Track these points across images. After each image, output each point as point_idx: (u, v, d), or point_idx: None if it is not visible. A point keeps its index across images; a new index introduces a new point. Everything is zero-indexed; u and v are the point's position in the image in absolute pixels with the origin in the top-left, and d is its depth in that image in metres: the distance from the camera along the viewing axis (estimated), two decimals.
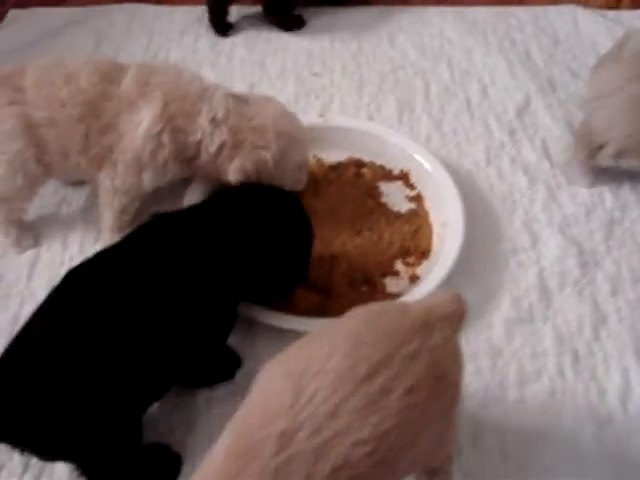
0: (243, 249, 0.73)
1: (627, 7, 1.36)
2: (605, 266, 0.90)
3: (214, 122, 0.85)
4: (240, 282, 0.73)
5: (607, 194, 0.98)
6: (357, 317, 0.58)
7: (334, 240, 0.90)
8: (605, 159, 0.94)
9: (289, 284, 0.81)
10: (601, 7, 1.36)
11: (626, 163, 0.95)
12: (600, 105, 0.94)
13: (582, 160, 0.96)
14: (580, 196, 0.97)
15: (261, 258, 0.74)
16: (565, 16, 1.31)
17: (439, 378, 0.55)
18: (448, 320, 0.58)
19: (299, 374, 0.52)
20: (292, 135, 0.88)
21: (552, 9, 1.33)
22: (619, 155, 0.93)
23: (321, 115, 1.05)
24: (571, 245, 0.91)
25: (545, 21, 1.30)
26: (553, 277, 0.88)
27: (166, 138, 0.84)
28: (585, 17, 1.30)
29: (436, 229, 0.92)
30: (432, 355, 0.55)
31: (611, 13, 1.33)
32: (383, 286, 0.85)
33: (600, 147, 0.94)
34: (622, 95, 0.91)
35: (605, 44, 1.23)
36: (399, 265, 0.89)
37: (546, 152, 1.03)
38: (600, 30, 1.27)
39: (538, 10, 1.33)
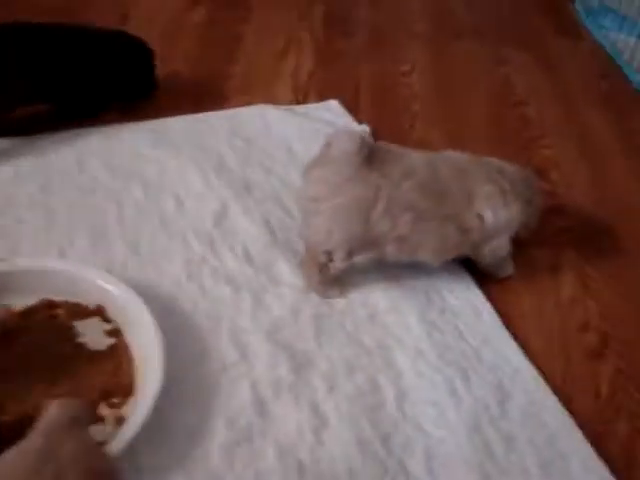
0: None
1: (314, 101, 1.45)
2: (318, 364, 0.92)
3: None
4: None
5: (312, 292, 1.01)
6: None
7: (28, 396, 0.85)
8: (339, 264, 0.99)
9: None
10: (290, 103, 1.44)
11: (358, 259, 1.00)
12: (319, 210, 0.97)
13: (319, 278, 1.00)
14: (286, 297, 1.00)
15: None
16: (256, 116, 1.37)
17: None
18: (66, 430, 0.59)
19: None
20: None
21: (244, 110, 1.39)
22: (350, 256, 0.99)
23: (2, 259, 1.00)
24: (282, 350, 0.93)
25: (237, 123, 1.35)
26: (267, 388, 0.88)
27: None
28: (275, 114, 1.37)
29: (138, 362, 0.89)
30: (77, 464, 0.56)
31: (299, 108, 1.41)
32: None
33: (329, 256, 0.98)
34: (340, 198, 0.96)
35: (295, 138, 1.31)
36: (104, 409, 0.85)
37: (247, 257, 1.06)
38: (290, 126, 1.35)
39: (230, 113, 1.38)
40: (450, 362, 0.95)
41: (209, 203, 1.15)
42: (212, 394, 0.87)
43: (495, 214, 1.02)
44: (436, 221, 0.99)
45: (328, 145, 0.98)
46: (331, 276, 1.00)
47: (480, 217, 1.01)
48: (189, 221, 1.12)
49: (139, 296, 0.94)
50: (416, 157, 1.01)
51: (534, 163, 1.39)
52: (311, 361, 0.92)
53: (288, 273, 1.03)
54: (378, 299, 1.02)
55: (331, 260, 0.99)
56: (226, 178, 1.20)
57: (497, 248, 1.06)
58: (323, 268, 0.99)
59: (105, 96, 1.36)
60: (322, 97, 1.47)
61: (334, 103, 1.44)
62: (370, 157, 0.95)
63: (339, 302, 1.00)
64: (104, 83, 1.34)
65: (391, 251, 0.99)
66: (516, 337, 1.01)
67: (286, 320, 0.97)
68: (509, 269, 1.10)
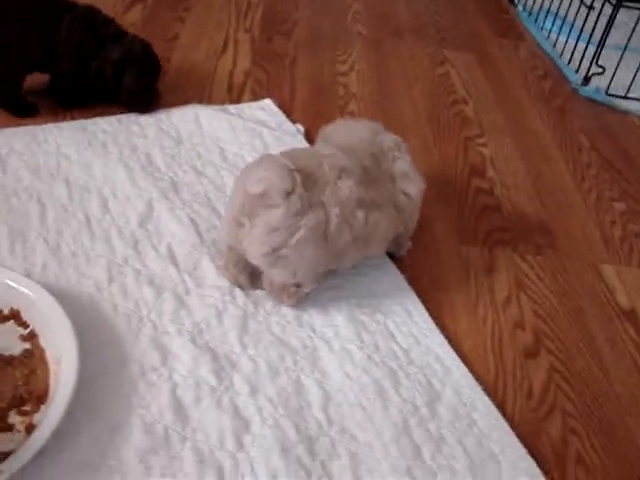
0: None
1: (249, 100, 1.43)
2: (242, 366, 0.90)
3: None
4: None
5: (238, 291, 0.98)
6: None
7: None
8: (309, 289, 0.98)
9: None
10: (224, 102, 1.41)
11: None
12: (279, 256, 0.92)
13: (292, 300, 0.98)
14: (210, 298, 0.97)
15: None
16: (188, 116, 1.34)
17: None
18: None
19: None
20: None
21: (175, 110, 1.36)
22: (317, 279, 0.98)
23: None
24: (204, 352, 0.90)
25: (168, 123, 1.32)
26: (188, 392, 0.86)
27: None
28: (207, 114, 1.35)
29: (53, 367, 0.86)
30: None
31: (232, 107, 1.39)
32: None
33: (298, 285, 0.96)
34: (296, 236, 0.90)
35: (227, 139, 1.28)
36: (14, 417, 0.82)
37: (172, 258, 1.03)
38: (222, 126, 1.32)
39: (161, 114, 1.34)
40: (379, 363, 0.93)
41: (135, 202, 1.12)
42: (128, 400, 0.84)
43: (417, 188, 1.03)
44: (383, 208, 0.98)
45: (259, 187, 0.89)
46: (303, 295, 0.98)
47: (407, 194, 1.02)
48: (114, 221, 1.09)
49: (56, 299, 0.90)
50: (332, 152, 0.97)
51: (471, 161, 1.39)
52: (234, 363, 0.89)
53: (213, 274, 1.01)
54: (306, 299, 0.99)
55: (299, 286, 0.97)
56: (153, 177, 1.17)
57: (416, 219, 1.07)
58: (294, 292, 0.97)
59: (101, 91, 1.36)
60: (257, 97, 1.46)
61: (268, 102, 1.42)
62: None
63: (266, 303, 0.97)
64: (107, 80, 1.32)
65: (349, 257, 0.98)
66: (448, 337, 1.00)
67: (210, 322, 0.94)
68: (409, 243, 1.11)
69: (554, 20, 1.95)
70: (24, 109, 1.31)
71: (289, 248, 0.90)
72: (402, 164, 1.03)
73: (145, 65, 1.33)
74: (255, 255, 0.92)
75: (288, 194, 0.87)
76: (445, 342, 0.98)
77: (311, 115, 1.41)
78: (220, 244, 1.03)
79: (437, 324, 1.01)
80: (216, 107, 1.38)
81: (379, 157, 1.01)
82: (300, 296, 0.98)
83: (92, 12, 1.31)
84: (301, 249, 0.90)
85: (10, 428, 0.81)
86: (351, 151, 0.98)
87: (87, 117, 1.32)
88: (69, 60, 1.29)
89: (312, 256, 0.92)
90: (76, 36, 1.28)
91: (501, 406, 0.92)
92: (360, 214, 0.94)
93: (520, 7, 2.13)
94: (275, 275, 0.94)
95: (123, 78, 1.30)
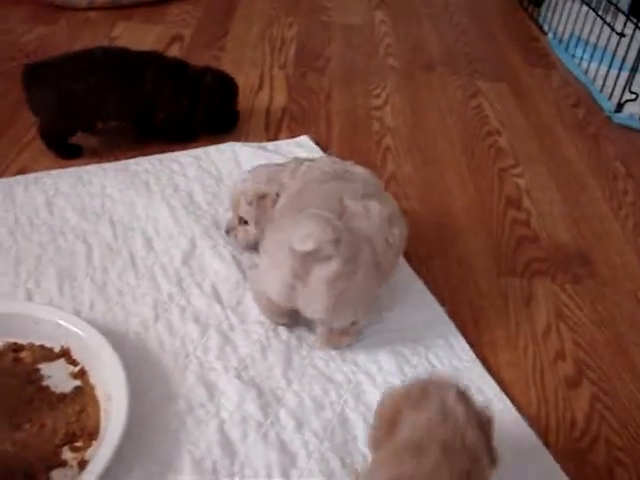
0: None
1: (285, 137, 1.46)
2: (287, 401, 0.91)
3: None
4: None
5: (281, 327, 1.00)
6: None
7: None
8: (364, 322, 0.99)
9: None
10: (262, 140, 1.44)
11: None
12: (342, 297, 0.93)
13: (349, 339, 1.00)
14: (254, 334, 0.99)
15: None
16: (226, 154, 1.37)
17: None
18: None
19: None
20: None
21: (213, 149, 1.39)
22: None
23: None
24: (250, 388, 0.92)
25: (208, 161, 1.35)
26: (235, 427, 0.87)
27: None
28: (245, 151, 1.38)
29: (103, 404, 0.88)
30: None
31: (270, 145, 1.41)
32: None
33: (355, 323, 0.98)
34: (355, 277, 0.92)
35: None
36: (67, 453, 0.84)
37: (216, 295, 1.05)
38: (261, 163, 1.34)
39: (199, 152, 1.37)
40: None
41: (178, 240, 1.15)
42: (177, 436, 0.86)
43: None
44: (400, 216, 1.03)
45: (309, 244, 0.88)
46: (357, 331, 1.00)
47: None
48: (158, 259, 1.11)
49: (104, 337, 0.93)
50: (343, 185, 1.01)
51: (507, 192, 1.40)
52: (279, 398, 0.91)
53: (256, 310, 1.03)
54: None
55: (355, 324, 0.98)
56: (195, 215, 1.20)
57: None
58: (351, 330, 0.99)
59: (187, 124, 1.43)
60: (294, 133, 1.48)
61: (304, 138, 1.44)
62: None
63: (308, 337, 0.99)
64: (187, 112, 1.40)
65: (392, 272, 1.01)
66: (489, 369, 1.00)
67: (255, 357, 0.96)
68: None
69: (585, 47, 1.96)
70: (70, 151, 1.34)
71: (351, 290, 0.91)
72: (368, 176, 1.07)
73: (233, 86, 1.43)
74: (318, 310, 0.93)
75: (337, 242, 0.88)
76: (486, 374, 0.99)
77: (348, 150, 1.43)
78: (256, 299, 1.04)
79: (478, 356, 1.01)
80: (254, 144, 1.41)
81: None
82: (357, 333, 0.99)
83: (165, 59, 1.39)
84: (362, 287, 0.92)
85: (64, 464, 0.83)
86: (339, 176, 1.03)
87: (129, 157, 1.35)
88: (165, 109, 1.37)
89: (370, 289, 0.95)
90: (168, 86, 1.35)
91: (544, 437, 0.93)
92: (395, 230, 0.98)
93: (550, 35, 2.15)
94: (336, 321, 0.95)
95: (227, 104, 1.42)
